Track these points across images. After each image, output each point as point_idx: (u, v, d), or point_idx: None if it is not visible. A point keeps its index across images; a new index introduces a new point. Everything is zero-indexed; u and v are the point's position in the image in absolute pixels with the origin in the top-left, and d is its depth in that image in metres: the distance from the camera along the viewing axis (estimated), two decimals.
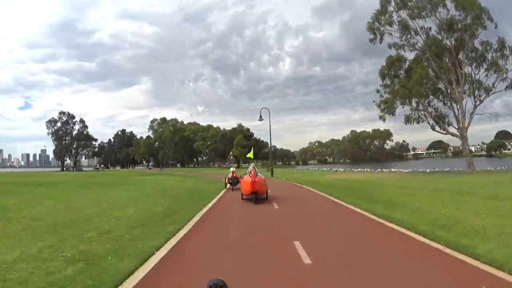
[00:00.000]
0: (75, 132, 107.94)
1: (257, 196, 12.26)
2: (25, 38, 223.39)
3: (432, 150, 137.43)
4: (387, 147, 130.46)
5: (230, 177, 17.93)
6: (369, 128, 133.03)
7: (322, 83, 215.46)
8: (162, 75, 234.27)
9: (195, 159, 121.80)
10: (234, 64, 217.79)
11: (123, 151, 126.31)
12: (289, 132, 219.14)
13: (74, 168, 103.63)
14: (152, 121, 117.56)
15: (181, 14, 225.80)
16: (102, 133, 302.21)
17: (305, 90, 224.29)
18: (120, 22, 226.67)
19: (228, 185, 18.11)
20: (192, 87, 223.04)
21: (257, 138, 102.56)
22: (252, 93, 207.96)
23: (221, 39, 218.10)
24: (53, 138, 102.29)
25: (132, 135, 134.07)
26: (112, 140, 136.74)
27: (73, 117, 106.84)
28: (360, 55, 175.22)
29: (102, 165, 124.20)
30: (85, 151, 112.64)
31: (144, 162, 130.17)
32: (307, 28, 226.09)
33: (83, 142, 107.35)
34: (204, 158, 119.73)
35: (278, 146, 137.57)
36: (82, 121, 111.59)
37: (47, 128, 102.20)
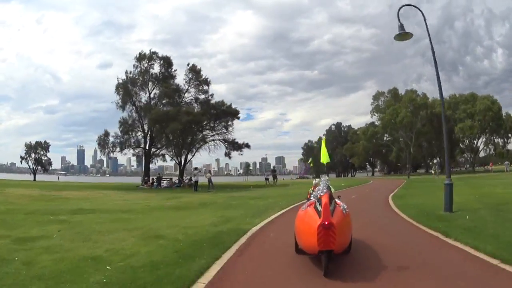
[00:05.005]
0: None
1: (331, 256, 4.08)
2: (241, 52, 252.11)
3: None
4: None
5: (312, 192, 8.16)
6: None
7: None
8: (386, 78, 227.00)
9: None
10: (452, 60, 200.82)
11: (338, 151, 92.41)
12: None
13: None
14: (376, 97, 66.62)
15: (391, 11, 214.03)
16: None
17: None
18: (336, 27, 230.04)
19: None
20: (415, 88, 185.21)
21: None
22: (471, 90, 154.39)
23: (435, 34, 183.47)
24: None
25: (351, 129, 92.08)
26: (323, 137, 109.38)
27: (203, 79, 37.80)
28: None
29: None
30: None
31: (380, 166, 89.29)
32: (510, 12, 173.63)
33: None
34: (468, 154, 62.99)
35: None
36: (205, 81, 37.31)
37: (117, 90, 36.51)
